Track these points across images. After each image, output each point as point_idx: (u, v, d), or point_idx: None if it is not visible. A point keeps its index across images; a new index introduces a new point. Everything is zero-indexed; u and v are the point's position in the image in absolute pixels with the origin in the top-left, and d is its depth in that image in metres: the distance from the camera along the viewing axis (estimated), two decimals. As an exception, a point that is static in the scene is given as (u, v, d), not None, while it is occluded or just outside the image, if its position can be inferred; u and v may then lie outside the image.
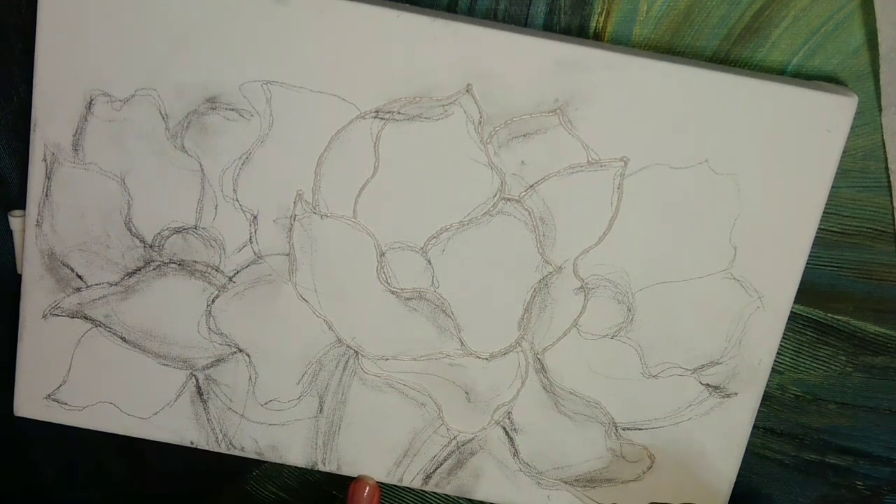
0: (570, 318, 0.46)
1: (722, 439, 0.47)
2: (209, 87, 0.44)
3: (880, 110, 0.44)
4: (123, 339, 0.47)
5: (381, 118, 0.44)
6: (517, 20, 0.45)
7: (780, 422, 0.50)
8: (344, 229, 0.45)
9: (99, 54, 0.44)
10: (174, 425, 0.49)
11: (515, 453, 0.48)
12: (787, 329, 0.47)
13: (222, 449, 0.49)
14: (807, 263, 0.45)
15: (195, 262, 0.46)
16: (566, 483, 0.49)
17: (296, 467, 0.52)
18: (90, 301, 0.47)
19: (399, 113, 0.44)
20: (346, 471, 0.49)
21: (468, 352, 0.47)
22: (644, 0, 0.45)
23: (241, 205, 0.45)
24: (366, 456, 0.49)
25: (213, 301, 0.47)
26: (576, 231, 0.45)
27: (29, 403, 0.48)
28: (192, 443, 0.49)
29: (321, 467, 0.49)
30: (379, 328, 0.47)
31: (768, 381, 0.47)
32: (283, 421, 0.48)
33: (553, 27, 0.45)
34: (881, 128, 0.45)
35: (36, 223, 0.46)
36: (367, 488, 0.48)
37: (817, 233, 0.44)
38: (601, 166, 0.44)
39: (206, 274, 0.46)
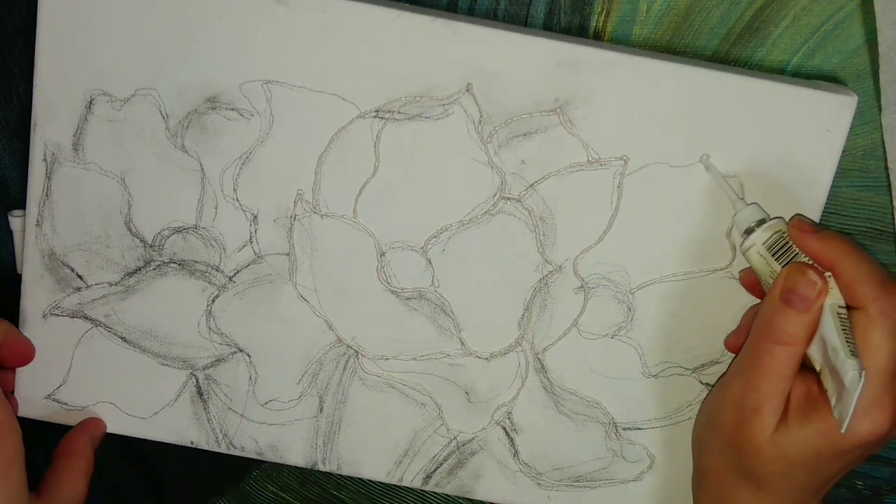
0: (570, 317, 0.46)
1: (722, 439, 0.47)
2: (209, 87, 0.44)
3: (880, 110, 0.44)
4: (123, 339, 0.47)
5: (382, 118, 0.44)
6: (517, 20, 0.46)
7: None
8: (344, 229, 0.45)
9: (99, 54, 0.44)
10: (174, 425, 0.48)
11: (515, 453, 0.48)
12: (787, 329, 0.47)
13: (222, 449, 0.49)
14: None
15: (195, 261, 0.46)
16: (566, 483, 0.49)
17: (296, 467, 0.52)
18: (90, 301, 0.47)
19: (399, 112, 0.44)
20: (346, 471, 0.49)
21: (468, 351, 0.47)
22: (644, 0, 0.45)
23: (241, 204, 0.45)
24: (366, 456, 0.49)
25: (213, 301, 0.47)
26: (576, 230, 0.45)
27: (29, 403, 0.48)
28: (192, 443, 0.49)
29: (321, 467, 0.49)
30: (379, 328, 0.47)
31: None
32: (283, 421, 0.48)
33: (553, 27, 0.46)
34: (881, 127, 0.45)
35: (36, 223, 0.46)
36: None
37: (817, 232, 0.44)
38: (601, 165, 0.44)
39: (206, 274, 0.46)
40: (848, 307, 0.38)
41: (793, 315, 0.38)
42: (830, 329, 0.37)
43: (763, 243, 0.41)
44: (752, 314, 0.43)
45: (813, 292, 0.38)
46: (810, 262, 0.39)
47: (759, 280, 0.41)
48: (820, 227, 0.40)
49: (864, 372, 0.36)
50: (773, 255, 0.40)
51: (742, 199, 0.43)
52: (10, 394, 0.48)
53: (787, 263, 0.40)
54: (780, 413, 0.38)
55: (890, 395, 0.37)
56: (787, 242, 0.40)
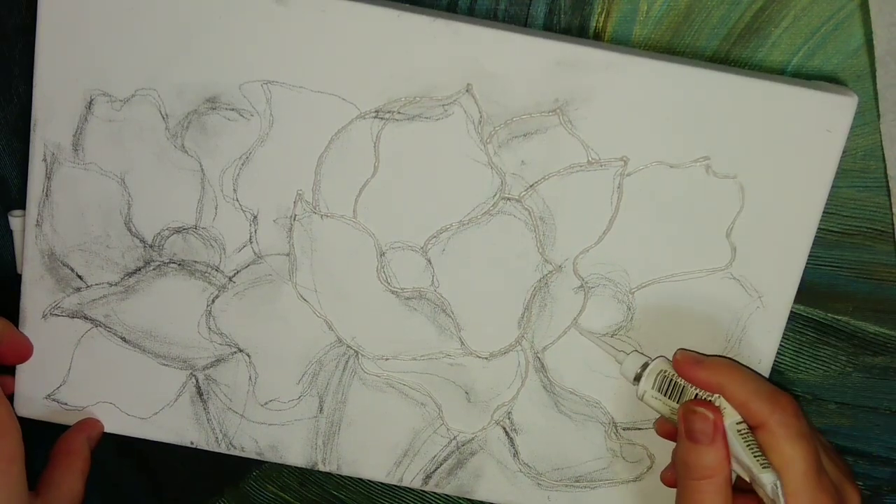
0: (569, 317, 0.46)
1: (722, 439, 0.47)
2: (209, 87, 0.44)
3: (879, 116, 0.44)
4: (123, 339, 0.47)
5: (381, 118, 0.44)
6: (517, 20, 0.45)
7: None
8: (344, 229, 0.45)
9: (99, 54, 0.44)
10: (174, 425, 0.48)
11: (515, 454, 0.48)
12: (787, 329, 0.47)
13: (222, 449, 0.49)
14: (807, 263, 0.45)
15: (195, 262, 0.46)
16: (566, 483, 0.49)
17: (296, 467, 0.52)
18: (90, 301, 0.47)
19: (399, 113, 0.44)
20: (346, 471, 0.49)
21: (468, 351, 0.47)
22: (644, 0, 0.45)
23: (241, 205, 0.45)
24: (366, 456, 0.49)
25: (213, 301, 0.47)
26: (576, 230, 0.45)
27: (29, 403, 0.48)
28: (192, 443, 0.49)
29: (321, 467, 0.49)
30: (379, 328, 0.47)
31: (768, 380, 0.47)
32: (283, 421, 0.48)
33: (553, 27, 0.46)
34: (881, 133, 0.45)
35: (36, 223, 0.46)
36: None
37: (817, 233, 0.44)
38: (601, 166, 0.44)
39: (206, 274, 0.46)
40: (749, 427, 0.40)
41: (702, 449, 0.40)
42: (737, 449, 0.39)
43: (652, 387, 0.43)
44: None
45: (709, 425, 0.40)
46: (698, 393, 0.41)
47: (665, 418, 0.43)
48: (702, 358, 0.42)
49: (779, 482, 0.38)
50: (665, 395, 0.43)
51: (621, 350, 0.45)
52: (8, 393, 0.48)
53: (680, 396, 0.42)
54: None
55: (821, 492, 0.39)
56: (673, 378, 0.42)
